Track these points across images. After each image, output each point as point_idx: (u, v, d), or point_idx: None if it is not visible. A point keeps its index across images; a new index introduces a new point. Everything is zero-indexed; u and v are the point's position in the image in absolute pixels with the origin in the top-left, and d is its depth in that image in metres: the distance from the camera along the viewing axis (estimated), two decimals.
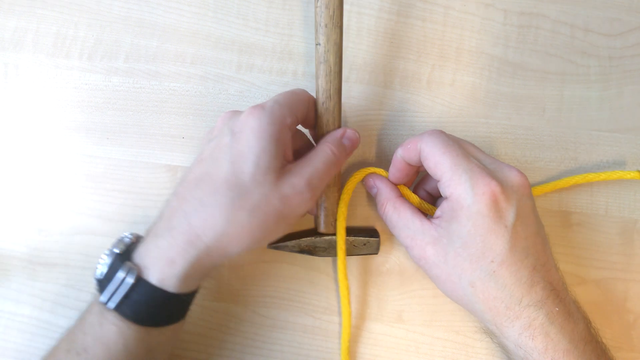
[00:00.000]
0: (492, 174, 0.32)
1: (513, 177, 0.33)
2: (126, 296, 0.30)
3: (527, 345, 0.31)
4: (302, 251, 0.39)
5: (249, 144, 0.31)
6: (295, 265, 0.41)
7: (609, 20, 0.44)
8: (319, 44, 0.34)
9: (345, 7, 0.43)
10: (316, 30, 0.34)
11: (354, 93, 0.42)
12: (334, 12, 0.34)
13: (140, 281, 0.30)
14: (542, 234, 0.34)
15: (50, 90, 0.42)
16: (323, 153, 0.34)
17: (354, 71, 0.43)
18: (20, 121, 0.41)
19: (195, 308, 0.40)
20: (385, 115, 0.42)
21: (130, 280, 0.30)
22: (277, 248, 0.39)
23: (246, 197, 0.30)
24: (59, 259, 0.40)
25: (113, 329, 0.30)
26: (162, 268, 0.30)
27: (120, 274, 0.30)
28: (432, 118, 0.43)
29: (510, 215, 0.31)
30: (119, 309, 0.30)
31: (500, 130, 0.43)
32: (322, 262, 0.41)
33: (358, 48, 0.43)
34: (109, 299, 0.30)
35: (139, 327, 0.30)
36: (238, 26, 0.43)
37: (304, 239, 0.38)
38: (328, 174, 0.34)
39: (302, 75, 0.42)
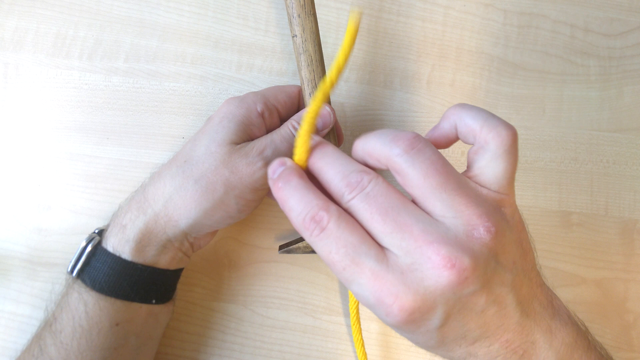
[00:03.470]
0: (398, 282, 0.22)
1: (434, 278, 0.22)
2: (87, 263, 0.32)
3: None
4: (314, 251, 0.37)
5: (213, 123, 0.33)
6: (295, 265, 0.41)
7: (609, 20, 0.44)
8: (296, 35, 0.34)
9: (345, 7, 0.43)
10: (290, 23, 0.34)
11: (353, 93, 0.42)
12: (304, 1, 0.33)
13: (98, 248, 0.32)
14: (500, 299, 0.24)
15: (50, 90, 0.42)
16: (283, 128, 0.34)
17: (354, 71, 0.43)
18: (20, 121, 0.41)
19: (195, 308, 0.40)
20: (385, 115, 0.42)
21: (89, 248, 0.32)
22: (288, 252, 0.38)
23: (196, 167, 0.32)
24: (59, 259, 0.40)
25: (75, 296, 0.32)
26: (116, 234, 0.32)
27: (83, 243, 0.33)
28: (432, 118, 0.43)
29: (433, 322, 0.23)
30: (80, 276, 0.32)
31: None
32: (322, 262, 0.41)
33: (358, 48, 0.43)
34: (73, 268, 0.33)
35: (100, 295, 0.32)
36: (238, 26, 0.43)
37: None
38: (288, 149, 0.33)
39: (295, 72, 0.42)
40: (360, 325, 0.37)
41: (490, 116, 0.25)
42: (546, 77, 0.43)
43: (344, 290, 0.40)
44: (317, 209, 0.23)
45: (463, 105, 0.26)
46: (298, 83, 0.42)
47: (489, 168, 0.25)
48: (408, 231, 0.22)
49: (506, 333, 0.24)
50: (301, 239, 0.38)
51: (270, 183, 0.25)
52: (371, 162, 0.25)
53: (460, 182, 0.23)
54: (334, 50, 0.43)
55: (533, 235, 0.41)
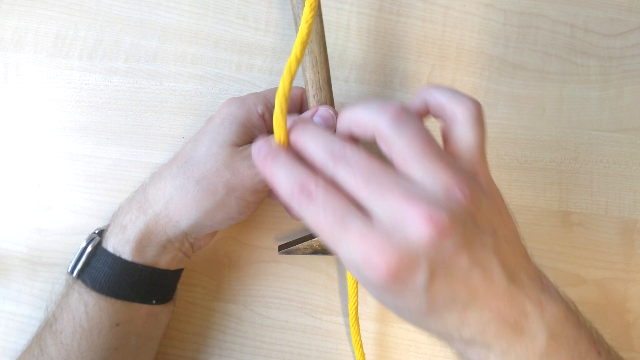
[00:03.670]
0: (384, 240, 0.23)
1: (416, 234, 0.22)
2: (87, 264, 0.32)
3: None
4: (315, 252, 0.38)
5: (214, 124, 0.33)
6: (295, 265, 0.41)
7: (609, 20, 0.44)
8: None
9: (345, 7, 0.43)
10: (295, 23, 0.34)
11: (353, 93, 0.42)
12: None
13: (98, 249, 0.33)
14: (482, 261, 0.24)
15: (50, 90, 0.42)
16: None
17: (354, 71, 0.43)
18: (20, 121, 0.41)
19: (195, 308, 0.40)
20: None
21: (89, 248, 0.33)
22: (288, 253, 0.38)
23: (197, 168, 0.32)
24: (59, 259, 0.40)
25: (75, 297, 0.32)
26: (116, 235, 0.32)
27: (83, 244, 0.33)
28: (431, 118, 0.42)
29: (419, 280, 0.23)
30: (81, 276, 0.32)
31: (500, 130, 0.43)
32: (322, 262, 0.41)
33: (358, 48, 0.43)
34: (73, 269, 0.33)
35: (100, 295, 0.32)
36: (238, 26, 0.43)
37: (317, 238, 0.37)
38: None
39: (300, 75, 0.42)
40: (359, 326, 0.37)
41: (457, 92, 0.27)
42: (546, 77, 0.43)
43: (343, 290, 0.40)
44: (305, 179, 0.24)
45: (433, 85, 0.28)
46: (298, 82, 0.42)
47: (459, 139, 0.26)
48: (390, 193, 0.23)
49: (495, 300, 0.25)
50: (301, 240, 0.38)
51: (257, 161, 0.26)
52: (357, 131, 0.26)
53: (441, 152, 0.25)
54: (334, 51, 0.43)
55: (533, 235, 0.41)
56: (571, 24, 0.44)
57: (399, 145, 0.24)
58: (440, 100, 0.27)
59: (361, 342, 0.38)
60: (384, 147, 0.25)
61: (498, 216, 0.26)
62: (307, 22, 0.26)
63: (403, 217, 0.23)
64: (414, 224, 0.22)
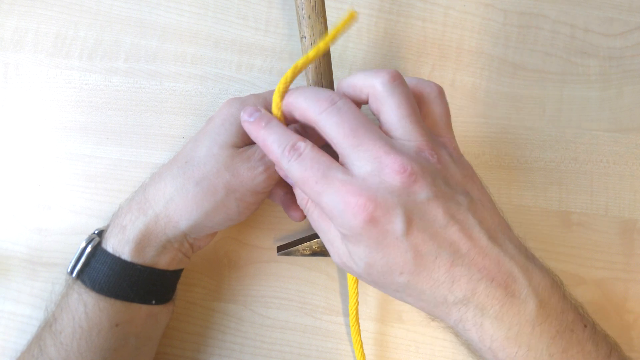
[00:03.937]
0: (361, 186, 0.25)
1: (389, 181, 0.25)
2: (86, 264, 0.32)
3: (464, 335, 0.29)
4: (314, 254, 0.38)
5: (214, 125, 0.33)
6: (295, 265, 0.41)
7: (609, 20, 0.44)
8: (304, 37, 0.33)
9: (345, 7, 0.43)
10: (299, 24, 0.34)
11: None
12: (315, 2, 0.33)
13: (98, 249, 0.33)
14: (459, 217, 0.26)
15: (50, 90, 0.42)
16: None
17: (354, 71, 0.43)
18: (20, 121, 0.41)
19: (195, 308, 0.40)
20: None
21: (89, 248, 0.33)
22: (288, 254, 0.38)
23: (197, 168, 0.32)
24: (59, 259, 0.40)
25: (75, 297, 0.32)
26: (116, 235, 0.32)
27: (83, 244, 0.33)
28: None
29: (397, 226, 0.25)
30: (80, 277, 0.32)
31: (500, 130, 0.43)
32: (322, 262, 0.41)
33: (358, 48, 0.43)
34: (73, 269, 0.33)
35: (99, 296, 0.32)
36: (238, 26, 0.43)
37: (316, 240, 0.38)
38: None
39: (303, 76, 0.42)
40: (359, 326, 0.37)
41: (422, 78, 0.31)
42: (546, 77, 0.43)
43: (343, 290, 0.40)
44: (296, 140, 0.27)
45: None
46: (298, 82, 0.42)
47: (428, 114, 0.30)
48: (372, 144, 0.26)
49: (480, 257, 0.26)
50: (300, 242, 0.38)
51: (248, 125, 0.29)
52: (353, 93, 0.29)
53: (421, 119, 0.28)
54: (334, 51, 0.43)
55: (533, 235, 0.41)
56: (571, 24, 0.44)
57: (389, 104, 0.27)
58: (410, 82, 0.30)
59: (361, 342, 0.38)
60: (374, 105, 0.28)
61: (470, 182, 0.28)
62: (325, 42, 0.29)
63: (380, 165, 0.25)
64: (389, 172, 0.25)
